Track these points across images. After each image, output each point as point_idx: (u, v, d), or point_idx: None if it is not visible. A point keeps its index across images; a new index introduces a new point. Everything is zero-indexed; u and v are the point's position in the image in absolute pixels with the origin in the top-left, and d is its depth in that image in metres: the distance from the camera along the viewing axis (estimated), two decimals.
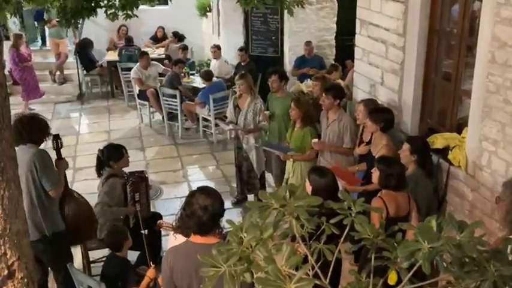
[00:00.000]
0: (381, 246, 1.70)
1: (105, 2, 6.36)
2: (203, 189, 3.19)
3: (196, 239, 3.07)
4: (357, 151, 5.47)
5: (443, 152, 4.70)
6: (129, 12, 6.54)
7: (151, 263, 4.38)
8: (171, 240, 3.90)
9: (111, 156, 5.22)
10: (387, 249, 1.64)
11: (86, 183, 7.41)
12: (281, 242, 1.63)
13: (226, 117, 7.17)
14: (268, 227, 1.51)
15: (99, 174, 5.28)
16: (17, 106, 10.20)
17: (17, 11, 7.09)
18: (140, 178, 5.15)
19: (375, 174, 4.23)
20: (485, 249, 1.43)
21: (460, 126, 4.74)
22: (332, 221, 1.62)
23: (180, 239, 3.55)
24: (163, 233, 5.51)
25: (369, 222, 1.69)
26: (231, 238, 1.52)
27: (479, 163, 4.27)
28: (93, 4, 6.39)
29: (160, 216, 5.45)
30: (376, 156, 4.87)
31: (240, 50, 9.70)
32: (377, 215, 4.02)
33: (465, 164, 4.44)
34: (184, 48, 11.06)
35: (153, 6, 6.61)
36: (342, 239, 1.61)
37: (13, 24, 12.09)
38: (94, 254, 5.35)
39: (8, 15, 7.77)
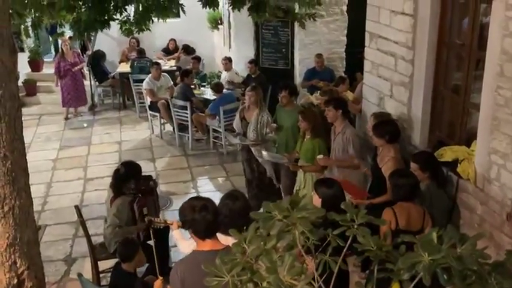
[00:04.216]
0: (385, 258, 1.71)
1: (118, 15, 6.48)
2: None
3: (204, 245, 3.08)
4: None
5: (452, 164, 4.68)
6: (143, 27, 6.66)
7: (159, 274, 4.39)
8: (177, 237, 3.96)
9: (130, 173, 5.19)
10: (390, 261, 1.66)
11: (97, 194, 7.48)
12: (289, 253, 1.65)
13: (234, 130, 7.20)
14: (272, 238, 1.53)
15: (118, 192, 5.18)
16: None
17: (37, 26, 7.20)
18: (146, 192, 5.16)
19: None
20: (486, 262, 1.44)
21: (469, 139, 4.73)
22: (335, 232, 1.63)
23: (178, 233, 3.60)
24: (171, 244, 5.53)
25: (377, 233, 1.71)
26: (234, 248, 1.55)
27: (488, 176, 4.25)
28: (106, 17, 6.51)
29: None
30: (382, 168, 4.89)
31: (250, 62, 9.77)
32: (386, 227, 4.04)
33: (474, 177, 4.42)
34: (197, 59, 11.15)
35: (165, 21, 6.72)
36: (344, 251, 1.62)
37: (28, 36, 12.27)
38: (103, 265, 5.38)
39: (29, 29, 7.94)
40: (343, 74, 9.46)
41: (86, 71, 11.78)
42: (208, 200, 3.25)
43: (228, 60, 10.29)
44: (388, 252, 1.69)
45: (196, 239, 3.16)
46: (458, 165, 4.59)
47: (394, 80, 5.51)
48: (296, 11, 8.75)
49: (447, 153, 4.74)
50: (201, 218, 3.07)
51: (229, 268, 1.49)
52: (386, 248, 1.70)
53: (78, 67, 10.94)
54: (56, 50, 13.14)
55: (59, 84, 11.02)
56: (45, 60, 12.77)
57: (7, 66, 2.69)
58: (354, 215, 1.61)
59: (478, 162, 4.39)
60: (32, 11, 6.26)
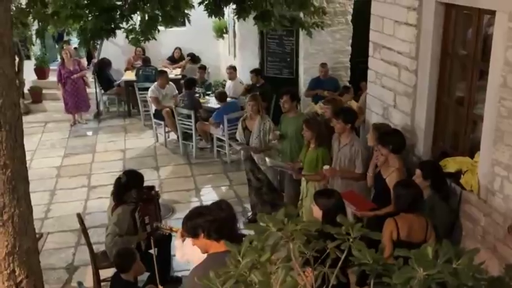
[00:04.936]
0: (382, 272, 1.69)
1: (124, 24, 6.53)
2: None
3: (219, 247, 3.07)
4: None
5: (456, 176, 4.65)
6: (149, 36, 6.71)
7: (159, 283, 4.37)
8: (180, 246, 3.93)
9: (132, 183, 5.18)
10: (387, 275, 1.64)
11: (100, 201, 7.48)
12: (286, 264, 1.63)
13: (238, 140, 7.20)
14: (266, 251, 1.52)
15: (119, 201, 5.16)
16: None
17: (41, 34, 7.27)
18: (148, 201, 5.16)
19: None
20: (483, 277, 1.42)
21: (472, 150, 4.70)
22: (330, 245, 1.62)
23: (188, 243, 3.57)
24: (172, 253, 5.51)
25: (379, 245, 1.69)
26: (229, 261, 1.53)
27: (491, 188, 4.22)
28: (112, 26, 6.56)
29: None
30: (386, 179, 4.86)
31: (251, 72, 9.74)
32: (387, 237, 4.02)
33: (477, 188, 4.38)
34: (203, 68, 11.19)
35: (171, 27, 6.78)
36: (339, 263, 1.61)
37: (34, 44, 12.40)
38: (105, 273, 5.36)
39: (34, 37, 8.02)
40: (348, 84, 9.45)
41: (91, 78, 11.84)
42: (222, 201, 3.32)
43: (232, 69, 10.32)
44: (385, 265, 1.67)
45: (210, 242, 3.17)
46: (462, 176, 4.56)
47: (398, 90, 5.50)
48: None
49: (450, 164, 4.71)
50: (216, 216, 3.11)
51: (222, 281, 1.48)
52: (383, 262, 1.68)
53: (77, 75, 10.98)
54: (62, 58, 13.24)
55: (61, 91, 11.16)
56: (51, 67, 12.85)
57: (8, 75, 2.71)
58: (349, 228, 1.59)
59: (481, 173, 4.36)
60: (36, 20, 6.32)
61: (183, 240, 3.87)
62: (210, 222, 3.15)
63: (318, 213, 3.83)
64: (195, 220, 3.22)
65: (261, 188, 6.85)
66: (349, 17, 9.68)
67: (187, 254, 3.86)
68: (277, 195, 6.82)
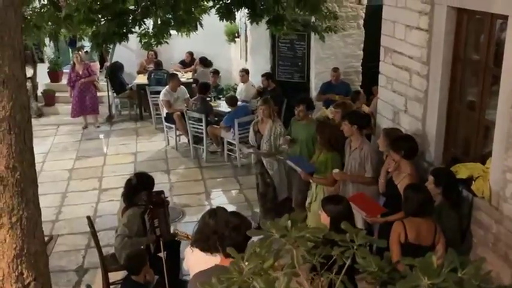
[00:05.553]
0: (387, 280, 1.67)
1: (137, 28, 6.56)
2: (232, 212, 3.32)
3: (227, 262, 3.06)
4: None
5: (467, 182, 4.60)
6: (161, 40, 6.74)
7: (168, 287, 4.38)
8: (188, 254, 3.92)
9: (142, 185, 5.21)
10: (391, 282, 1.62)
11: (112, 204, 7.50)
12: (288, 271, 1.62)
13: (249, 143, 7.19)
14: (270, 257, 1.51)
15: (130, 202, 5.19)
16: None
17: (54, 37, 7.35)
18: (157, 204, 5.17)
19: None
20: (489, 287, 1.39)
21: (484, 156, 4.65)
22: (333, 253, 1.60)
23: (197, 253, 3.57)
24: (181, 257, 5.52)
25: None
26: (232, 267, 1.53)
27: (503, 195, 4.17)
28: (124, 30, 6.59)
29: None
30: (398, 185, 4.82)
31: (262, 76, 9.74)
32: (395, 239, 3.99)
33: (489, 195, 4.33)
34: (216, 73, 11.21)
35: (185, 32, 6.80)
36: (343, 270, 1.59)
37: (48, 47, 12.51)
38: (115, 276, 5.38)
39: (47, 41, 8.10)
40: (359, 88, 9.41)
41: (103, 82, 11.91)
42: (243, 220, 3.24)
43: (245, 72, 10.32)
44: (390, 273, 1.66)
45: (220, 255, 3.17)
46: (473, 182, 4.51)
47: (409, 95, 5.46)
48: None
49: (462, 170, 4.66)
50: (233, 236, 3.08)
51: (225, 287, 1.47)
52: (388, 269, 1.66)
53: (85, 80, 11.05)
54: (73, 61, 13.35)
55: (69, 94, 11.27)
56: (64, 71, 12.94)
57: (18, 79, 2.72)
58: (353, 235, 1.58)
59: (493, 180, 4.31)
60: (50, 23, 6.37)
61: (192, 251, 3.85)
62: (225, 237, 3.12)
63: (326, 219, 3.81)
64: (215, 226, 3.22)
65: (265, 195, 6.82)
66: (361, 22, 9.64)
67: (191, 266, 3.85)
68: (281, 203, 6.75)
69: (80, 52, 10.99)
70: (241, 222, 3.19)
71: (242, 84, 10.37)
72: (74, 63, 11.13)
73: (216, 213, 3.83)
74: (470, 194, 4.53)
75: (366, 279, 4.91)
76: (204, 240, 3.56)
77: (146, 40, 6.75)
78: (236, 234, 3.09)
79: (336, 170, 5.54)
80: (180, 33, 6.90)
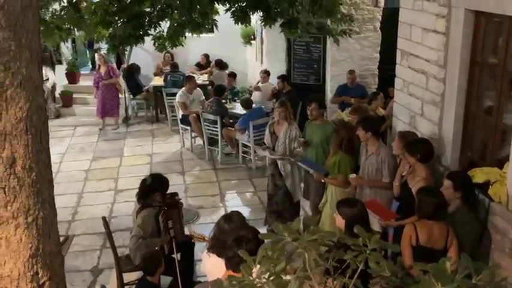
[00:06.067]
0: (400, 285, 1.66)
1: (152, 30, 6.61)
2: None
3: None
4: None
5: (484, 186, 4.54)
6: (176, 42, 6.78)
7: None
8: (204, 258, 3.92)
9: (157, 185, 5.23)
10: (404, 287, 1.60)
11: (127, 205, 7.55)
12: (299, 275, 1.61)
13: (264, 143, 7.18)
14: (281, 261, 1.50)
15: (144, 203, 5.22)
16: None
17: (69, 37, 7.45)
18: (171, 206, 5.18)
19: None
20: None
21: (501, 161, 4.59)
22: (346, 257, 1.59)
23: (213, 258, 3.57)
24: (196, 258, 5.53)
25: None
26: (243, 270, 1.52)
27: None
28: (141, 32, 6.64)
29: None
30: (412, 189, 4.78)
31: (278, 77, 9.73)
32: (406, 242, 3.96)
33: (506, 200, 4.27)
34: (232, 75, 11.23)
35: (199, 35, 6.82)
36: (356, 274, 1.58)
37: (66, 49, 12.68)
38: (129, 277, 5.41)
39: (64, 44, 8.22)
40: (375, 90, 9.35)
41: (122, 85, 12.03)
42: (255, 238, 3.20)
43: (266, 74, 10.33)
44: (403, 278, 1.64)
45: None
46: (490, 187, 4.45)
47: (425, 99, 5.41)
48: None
49: (478, 175, 4.60)
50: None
51: None
52: (401, 274, 1.64)
53: (107, 81, 11.17)
54: (93, 64, 13.50)
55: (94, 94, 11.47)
56: (81, 72, 13.09)
57: (35, 81, 2.75)
58: (366, 239, 1.56)
59: (510, 184, 4.25)
60: (69, 25, 6.45)
61: (209, 256, 3.85)
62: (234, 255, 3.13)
63: (340, 222, 3.79)
64: (227, 240, 3.23)
65: (273, 197, 6.80)
66: (378, 24, 9.59)
67: (208, 271, 3.85)
68: (288, 208, 6.72)
69: (103, 53, 11.10)
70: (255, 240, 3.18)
71: (262, 84, 10.35)
72: (99, 65, 11.28)
73: (231, 218, 3.83)
74: (487, 198, 4.48)
75: (379, 283, 4.88)
76: (220, 246, 3.56)
77: (160, 42, 6.79)
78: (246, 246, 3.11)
79: (352, 175, 5.52)
80: (191, 34, 6.91)
